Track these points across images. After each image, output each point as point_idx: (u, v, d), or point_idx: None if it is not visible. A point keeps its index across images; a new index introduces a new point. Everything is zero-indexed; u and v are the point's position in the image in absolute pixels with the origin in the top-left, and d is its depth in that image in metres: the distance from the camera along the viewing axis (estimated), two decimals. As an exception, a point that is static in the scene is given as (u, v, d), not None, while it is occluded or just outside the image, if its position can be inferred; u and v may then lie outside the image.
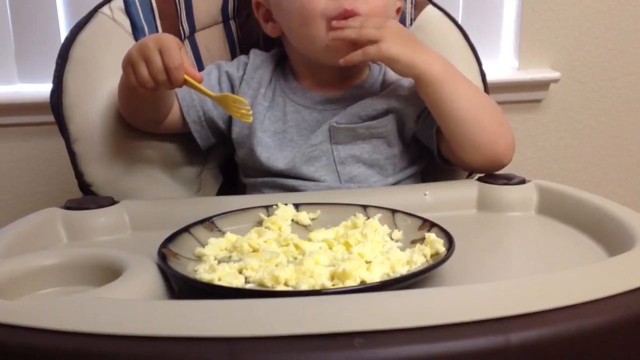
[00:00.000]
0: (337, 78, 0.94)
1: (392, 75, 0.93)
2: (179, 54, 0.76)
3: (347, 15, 0.85)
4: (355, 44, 0.85)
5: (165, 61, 0.76)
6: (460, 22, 1.07)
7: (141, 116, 0.90)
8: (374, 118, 0.91)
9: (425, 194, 0.81)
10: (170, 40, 0.78)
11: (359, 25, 0.84)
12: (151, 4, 0.98)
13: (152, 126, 0.92)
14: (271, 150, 0.91)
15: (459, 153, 0.87)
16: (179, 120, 0.93)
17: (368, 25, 0.84)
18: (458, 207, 0.81)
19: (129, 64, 0.79)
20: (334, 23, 0.85)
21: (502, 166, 0.87)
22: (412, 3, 1.04)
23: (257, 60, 0.97)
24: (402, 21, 1.02)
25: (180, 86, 0.79)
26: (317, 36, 0.87)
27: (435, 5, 1.06)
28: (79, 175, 0.91)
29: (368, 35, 0.84)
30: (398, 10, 0.97)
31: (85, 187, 0.91)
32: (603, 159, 1.51)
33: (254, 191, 0.94)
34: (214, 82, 0.95)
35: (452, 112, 0.84)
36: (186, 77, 0.76)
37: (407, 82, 0.92)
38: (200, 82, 0.78)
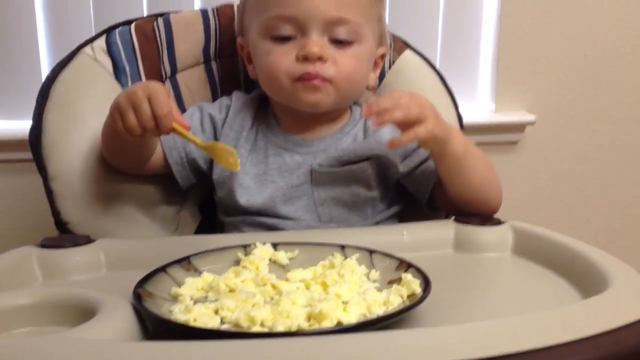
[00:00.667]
0: (318, 121, 0.95)
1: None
2: (168, 102, 0.77)
3: (309, 78, 0.87)
4: (325, 105, 0.88)
5: (154, 109, 0.76)
6: (438, 65, 1.10)
7: (124, 159, 0.90)
8: (354, 162, 0.92)
9: (402, 234, 0.82)
10: (159, 88, 0.78)
11: (392, 104, 0.78)
12: (133, 44, 0.99)
13: (135, 168, 0.92)
14: (251, 192, 0.92)
15: (466, 209, 0.88)
16: (161, 162, 0.93)
17: (412, 104, 0.79)
18: (435, 247, 0.81)
19: (117, 111, 0.79)
20: (364, 112, 0.80)
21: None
22: (391, 47, 1.06)
23: (239, 103, 0.98)
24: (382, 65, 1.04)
25: (168, 134, 0.79)
26: (284, 91, 0.90)
27: (413, 49, 1.08)
28: (55, 213, 0.90)
29: (415, 116, 0.79)
30: (382, 57, 0.98)
31: (61, 225, 0.90)
32: (578, 201, 1.53)
33: (233, 229, 0.94)
34: (196, 124, 0.95)
35: (469, 181, 0.86)
36: (174, 125, 0.77)
37: (388, 128, 0.93)
38: (188, 130, 0.79)
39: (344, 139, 0.94)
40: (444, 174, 0.87)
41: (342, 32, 0.88)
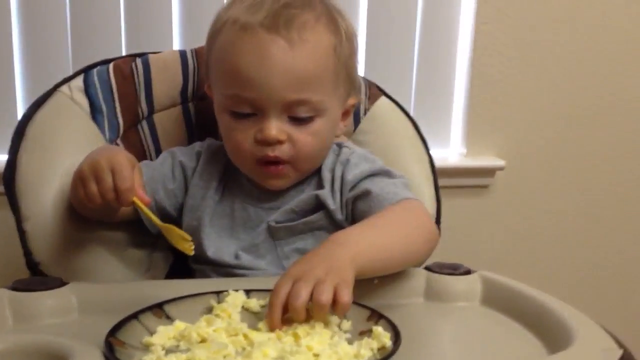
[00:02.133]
0: None
1: (334, 172, 0.93)
2: (131, 176, 0.77)
3: (269, 162, 0.87)
4: (277, 175, 0.89)
5: (116, 182, 0.76)
6: (412, 111, 1.13)
7: (91, 214, 0.90)
8: (310, 213, 0.91)
9: (374, 282, 0.83)
10: (122, 161, 0.78)
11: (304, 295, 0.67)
12: (111, 84, 1.00)
13: (104, 219, 0.92)
14: (218, 245, 0.92)
15: None
16: (130, 211, 0.91)
17: (318, 289, 0.66)
18: (406, 295, 0.82)
19: (79, 179, 0.79)
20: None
21: None
22: (366, 95, 1.08)
23: (209, 152, 0.97)
24: (357, 111, 1.06)
25: (128, 206, 0.79)
26: (246, 168, 0.91)
27: (388, 96, 1.10)
28: (27, 253, 0.89)
29: (325, 298, 0.66)
30: (352, 106, 0.97)
31: (33, 265, 0.89)
32: (547, 245, 1.56)
33: (202, 277, 0.94)
34: (167, 172, 0.95)
35: (391, 270, 0.81)
36: (135, 199, 0.78)
37: (328, 173, 0.92)
38: (148, 205, 0.79)
39: (306, 190, 0.94)
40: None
41: (302, 111, 0.86)
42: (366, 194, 0.88)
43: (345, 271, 0.70)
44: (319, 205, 0.91)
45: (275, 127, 0.85)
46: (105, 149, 0.86)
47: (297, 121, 0.87)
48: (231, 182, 0.96)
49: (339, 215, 0.91)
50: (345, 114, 0.96)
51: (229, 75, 0.87)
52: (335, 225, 0.91)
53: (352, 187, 0.91)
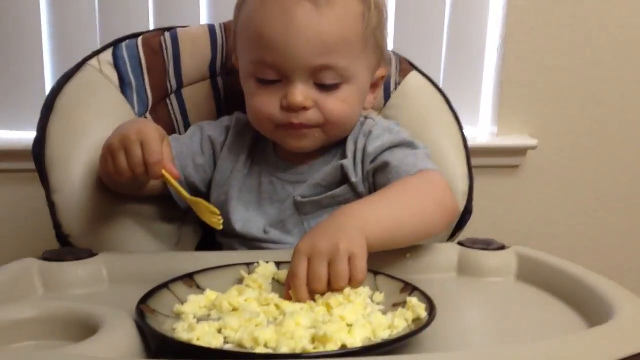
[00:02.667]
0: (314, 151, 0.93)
1: (357, 142, 0.92)
2: (160, 149, 0.76)
3: (294, 128, 0.86)
4: (309, 147, 0.88)
5: (146, 155, 0.76)
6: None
7: (120, 188, 0.90)
8: (336, 186, 0.90)
9: (407, 256, 0.81)
10: (152, 133, 0.77)
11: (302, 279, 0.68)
12: (140, 58, 0.99)
13: (132, 194, 0.92)
14: (245, 220, 0.91)
15: None
16: (159, 186, 0.91)
17: (313, 267, 0.68)
18: (439, 270, 0.81)
19: (108, 152, 0.79)
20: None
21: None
22: (397, 69, 1.06)
23: (239, 126, 0.97)
24: (387, 86, 1.05)
25: (157, 179, 0.79)
26: (269, 134, 0.91)
27: (419, 71, 1.08)
28: (57, 225, 0.90)
29: (342, 280, 0.68)
30: (382, 78, 0.96)
31: (63, 237, 0.90)
32: (579, 225, 1.53)
33: (231, 250, 0.93)
34: (196, 147, 0.95)
35: (411, 239, 0.80)
36: (164, 172, 0.77)
37: (352, 144, 0.91)
38: (177, 179, 0.78)
39: (331, 162, 0.92)
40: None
41: (328, 78, 0.85)
42: (385, 166, 0.87)
43: (356, 242, 0.69)
44: (344, 177, 0.90)
45: (301, 93, 0.84)
46: (134, 122, 0.86)
47: (324, 88, 0.85)
48: (259, 156, 0.96)
49: (361, 188, 0.90)
50: (374, 86, 0.95)
51: (254, 40, 0.86)
52: (362, 197, 0.90)
53: (373, 160, 0.89)
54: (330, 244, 0.68)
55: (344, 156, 0.91)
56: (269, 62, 0.85)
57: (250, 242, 0.92)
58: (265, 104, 0.87)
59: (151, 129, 0.79)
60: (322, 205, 0.91)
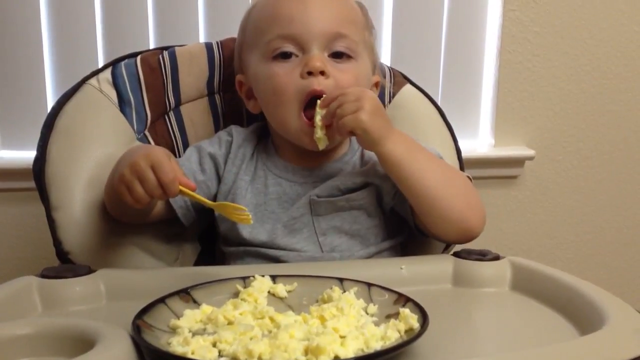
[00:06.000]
0: (317, 152, 0.96)
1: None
2: (171, 167, 0.78)
3: (315, 95, 0.88)
4: (330, 127, 0.87)
5: (160, 177, 0.77)
6: (439, 101, 1.11)
7: (128, 217, 0.91)
8: (353, 191, 0.92)
9: (401, 268, 0.82)
10: (160, 154, 0.79)
11: (337, 103, 0.84)
12: (139, 76, 1.01)
13: (139, 221, 0.93)
14: (253, 225, 0.92)
15: (430, 227, 0.88)
16: (164, 210, 0.93)
17: (347, 98, 0.84)
18: (434, 281, 0.81)
19: (122, 184, 0.79)
20: (320, 103, 0.87)
21: (473, 237, 0.87)
22: (391, 81, 1.08)
23: (240, 137, 0.98)
24: (382, 97, 1.06)
25: (175, 196, 0.80)
26: (290, 119, 0.90)
27: (413, 84, 1.10)
28: (57, 243, 0.91)
29: (348, 109, 0.83)
30: (376, 85, 0.99)
31: (62, 255, 0.91)
32: (577, 236, 1.53)
33: (235, 259, 0.94)
34: (195, 166, 0.96)
35: (418, 190, 0.85)
36: (181, 188, 0.78)
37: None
38: (194, 190, 0.79)
39: (343, 167, 0.95)
40: (394, 180, 0.87)
41: (341, 45, 0.91)
42: None
43: (378, 125, 0.83)
44: (364, 183, 0.92)
45: (319, 59, 0.89)
46: (137, 148, 0.87)
47: (337, 57, 0.91)
48: (263, 160, 0.97)
49: (387, 188, 0.92)
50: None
51: (270, 22, 0.92)
52: (378, 205, 0.93)
53: None
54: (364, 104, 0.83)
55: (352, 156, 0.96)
56: (287, 34, 0.90)
57: (257, 249, 0.92)
58: (286, 77, 0.90)
59: (157, 150, 0.80)
60: (336, 206, 0.92)
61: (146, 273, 0.85)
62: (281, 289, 0.75)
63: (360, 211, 0.92)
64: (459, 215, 0.85)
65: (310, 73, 0.88)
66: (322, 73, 0.88)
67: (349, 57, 0.91)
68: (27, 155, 1.20)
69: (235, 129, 1.00)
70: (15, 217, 1.34)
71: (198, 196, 0.80)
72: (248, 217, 0.79)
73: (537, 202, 1.51)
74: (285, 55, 0.90)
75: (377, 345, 0.61)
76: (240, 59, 0.99)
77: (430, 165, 0.87)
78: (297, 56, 0.90)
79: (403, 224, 0.96)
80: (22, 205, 1.33)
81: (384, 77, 1.06)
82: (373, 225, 0.93)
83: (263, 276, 0.76)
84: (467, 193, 0.88)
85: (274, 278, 0.76)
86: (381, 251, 0.93)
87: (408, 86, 1.09)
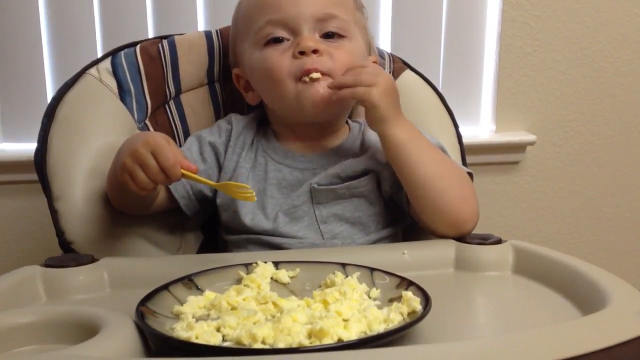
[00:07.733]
0: (317, 137, 0.96)
1: (371, 137, 0.95)
2: (172, 152, 0.78)
3: (309, 74, 0.88)
4: (329, 99, 0.88)
5: (161, 162, 0.77)
6: (440, 87, 1.11)
7: (131, 208, 0.92)
8: (353, 178, 0.92)
9: (403, 253, 0.82)
10: (159, 139, 0.79)
11: (355, 72, 0.86)
12: (138, 65, 1.01)
13: (142, 213, 0.93)
14: (255, 211, 0.92)
15: (422, 216, 0.89)
16: (165, 200, 0.93)
17: (367, 70, 0.86)
18: (436, 266, 0.82)
19: (125, 173, 0.80)
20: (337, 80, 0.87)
21: (464, 232, 0.86)
22: (390, 68, 1.07)
23: (239, 125, 0.99)
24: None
25: (178, 180, 0.80)
26: (287, 94, 0.90)
27: (413, 69, 1.09)
28: (59, 233, 0.91)
29: (365, 81, 0.85)
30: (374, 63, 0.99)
31: (65, 245, 0.91)
32: (579, 220, 1.54)
33: (238, 247, 0.94)
34: (196, 155, 0.96)
35: (413, 176, 0.86)
36: (183, 171, 0.78)
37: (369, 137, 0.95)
38: (196, 172, 0.79)
39: (343, 155, 0.95)
40: (391, 164, 0.88)
41: (333, 25, 0.91)
42: None
43: (388, 105, 0.85)
44: (364, 170, 0.92)
45: (311, 39, 0.89)
46: (136, 136, 0.86)
47: (330, 38, 0.91)
48: (263, 146, 0.97)
49: (387, 176, 0.92)
50: None
51: (258, 8, 0.92)
52: (379, 192, 0.93)
53: None
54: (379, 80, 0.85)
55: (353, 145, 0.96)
56: (277, 19, 0.90)
57: (259, 237, 0.92)
58: (279, 59, 0.90)
59: (156, 136, 0.80)
60: (337, 194, 0.92)
61: (149, 261, 0.85)
62: (284, 274, 0.75)
63: (360, 199, 0.93)
64: (450, 207, 0.86)
65: (302, 53, 0.88)
66: (315, 52, 0.88)
67: (341, 36, 0.92)
68: (28, 148, 1.21)
69: (234, 117, 1.00)
70: (18, 210, 1.34)
71: (201, 178, 0.80)
72: (252, 195, 0.79)
73: (539, 188, 1.51)
74: (277, 40, 0.90)
75: (380, 328, 0.61)
76: (234, 52, 0.99)
77: (429, 155, 0.87)
78: (288, 40, 0.90)
79: (404, 212, 0.96)
80: (25, 197, 1.33)
81: (383, 60, 1.06)
82: (374, 212, 0.93)
83: (265, 262, 0.76)
84: (462, 187, 0.88)
85: (276, 264, 0.76)
86: (382, 238, 0.94)
87: (408, 72, 1.08)
